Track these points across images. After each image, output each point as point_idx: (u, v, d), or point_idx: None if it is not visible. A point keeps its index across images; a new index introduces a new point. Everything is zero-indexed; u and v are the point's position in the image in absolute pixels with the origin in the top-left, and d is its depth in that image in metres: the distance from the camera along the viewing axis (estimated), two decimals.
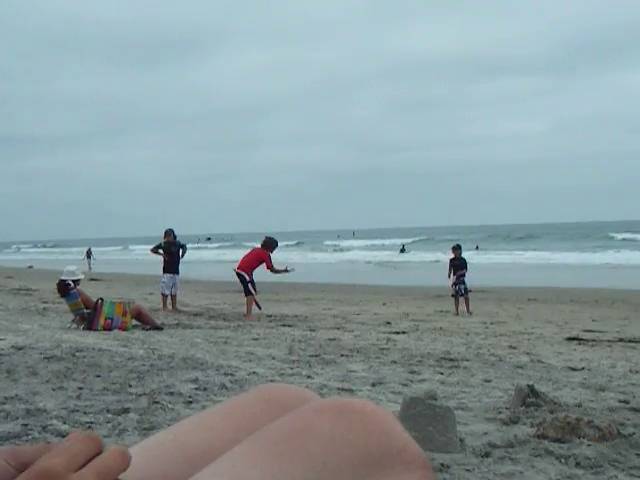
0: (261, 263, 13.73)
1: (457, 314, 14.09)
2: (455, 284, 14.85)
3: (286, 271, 14.03)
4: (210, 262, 47.23)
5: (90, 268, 40.05)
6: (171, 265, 14.75)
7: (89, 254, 46.51)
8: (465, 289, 14.66)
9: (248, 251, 14.56)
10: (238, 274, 13.68)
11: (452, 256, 15.66)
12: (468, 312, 14.16)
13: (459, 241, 19.23)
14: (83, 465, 0.69)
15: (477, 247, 57.16)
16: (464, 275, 14.96)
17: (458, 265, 15.28)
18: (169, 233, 14.95)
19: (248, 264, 13.76)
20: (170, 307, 14.14)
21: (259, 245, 14.21)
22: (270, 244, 13.97)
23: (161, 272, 14.85)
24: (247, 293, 13.44)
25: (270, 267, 13.74)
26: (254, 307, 13.30)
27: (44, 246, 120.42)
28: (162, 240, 15.03)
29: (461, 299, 14.53)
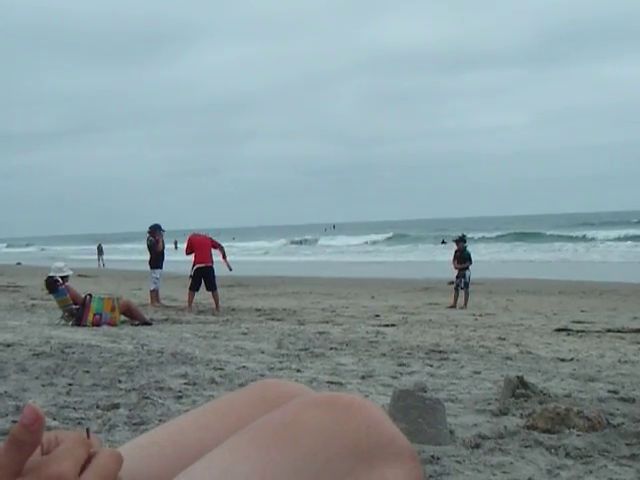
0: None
1: (454, 306, 13.97)
2: (457, 277, 14.81)
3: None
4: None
5: (103, 265, 38.67)
6: (161, 260, 14.80)
7: (100, 250, 42.12)
8: (465, 283, 14.56)
9: (193, 242, 13.97)
10: (212, 268, 13.74)
11: (456, 248, 15.54)
12: (465, 306, 14.02)
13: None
14: (82, 468, 0.69)
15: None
16: (467, 269, 14.84)
17: (460, 257, 15.17)
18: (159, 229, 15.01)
19: (210, 255, 13.95)
20: (157, 301, 14.15)
21: (195, 236, 14.15)
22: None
23: (149, 267, 14.87)
24: (215, 287, 13.51)
25: (222, 251, 14.30)
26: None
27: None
28: (149, 236, 15.03)
29: (461, 292, 14.45)
